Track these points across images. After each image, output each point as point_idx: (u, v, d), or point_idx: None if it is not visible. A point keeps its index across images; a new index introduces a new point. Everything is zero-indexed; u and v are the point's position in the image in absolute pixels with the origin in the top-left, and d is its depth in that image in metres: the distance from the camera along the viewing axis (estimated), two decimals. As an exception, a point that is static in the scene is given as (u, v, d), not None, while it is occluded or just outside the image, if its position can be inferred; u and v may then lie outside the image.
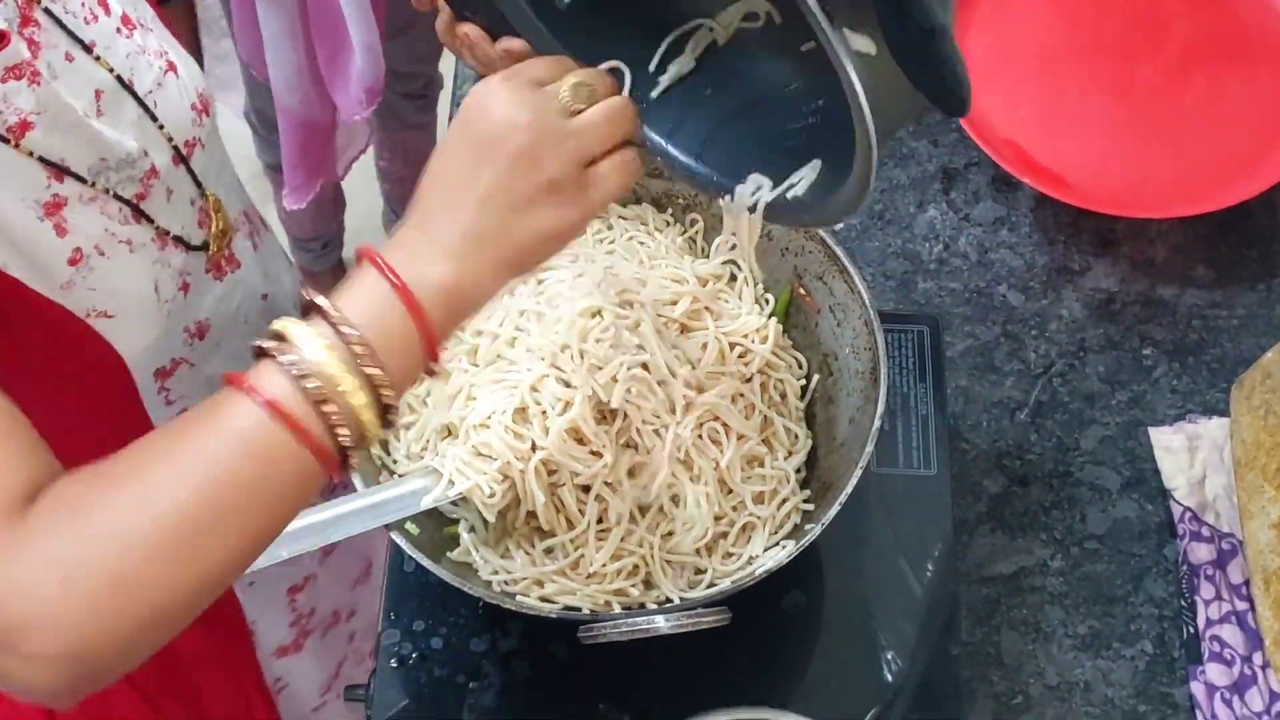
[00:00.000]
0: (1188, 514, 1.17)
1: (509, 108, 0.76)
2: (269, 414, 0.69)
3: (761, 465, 1.01)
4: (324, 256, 2.27)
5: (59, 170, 0.89)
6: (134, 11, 1.00)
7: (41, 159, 0.88)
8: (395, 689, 1.04)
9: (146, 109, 0.98)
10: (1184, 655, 1.13)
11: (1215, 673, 1.10)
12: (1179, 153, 1.32)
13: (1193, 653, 1.12)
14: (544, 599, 0.97)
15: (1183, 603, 1.15)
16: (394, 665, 1.05)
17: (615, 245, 1.08)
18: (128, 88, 0.97)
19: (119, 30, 0.98)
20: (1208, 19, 1.37)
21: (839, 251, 1.03)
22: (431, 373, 0.76)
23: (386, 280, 0.72)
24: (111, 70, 0.95)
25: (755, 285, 1.09)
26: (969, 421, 1.24)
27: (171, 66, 1.02)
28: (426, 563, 0.92)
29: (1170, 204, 1.29)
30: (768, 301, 1.09)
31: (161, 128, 0.99)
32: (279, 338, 0.71)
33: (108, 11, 0.97)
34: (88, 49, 0.95)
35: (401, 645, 1.06)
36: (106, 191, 0.93)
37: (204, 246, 1.04)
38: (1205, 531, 1.16)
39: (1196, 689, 1.11)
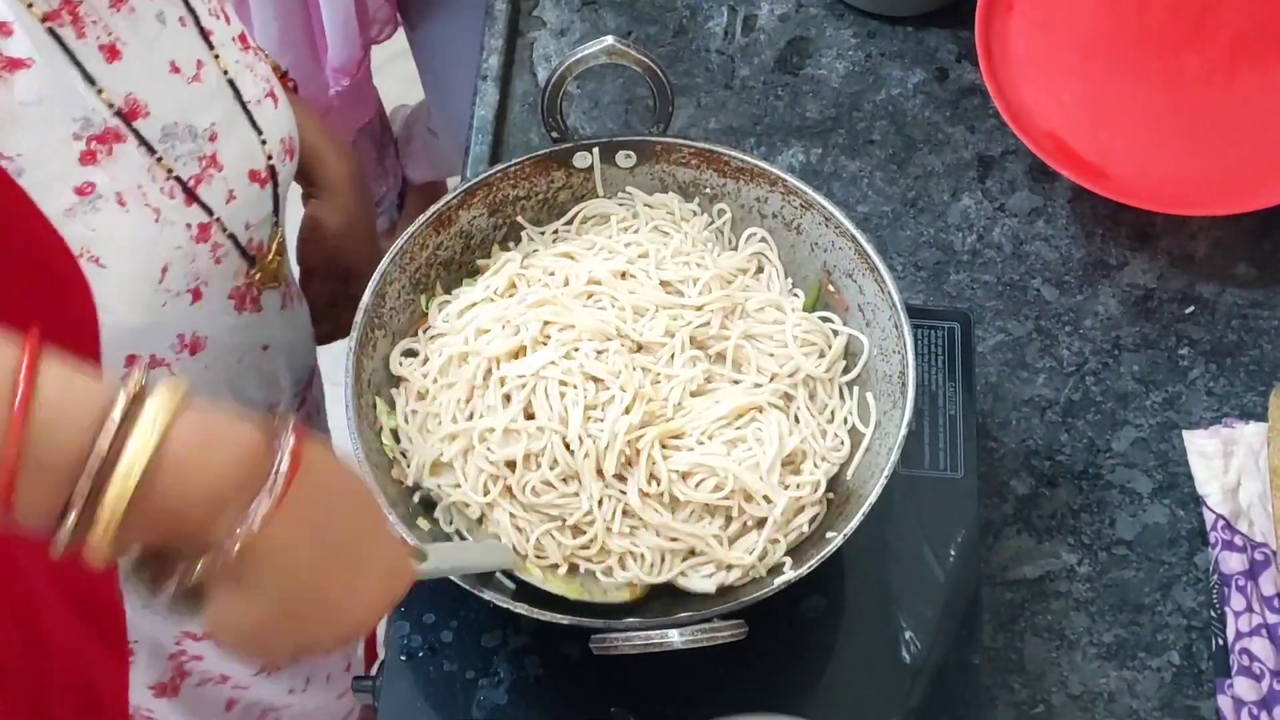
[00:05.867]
0: (1220, 522, 1.14)
1: None
2: None
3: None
4: None
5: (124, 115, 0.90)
6: (249, 41, 1.04)
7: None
8: (403, 682, 1.02)
9: (249, 116, 1.00)
10: (1212, 668, 1.10)
11: (1243, 687, 1.08)
12: (1224, 147, 1.28)
13: (1221, 666, 1.10)
14: None
15: (1212, 613, 1.12)
16: (403, 658, 1.03)
17: (640, 234, 1.05)
18: (233, 86, 0.99)
19: (234, 40, 1.01)
20: (1257, 10, 1.32)
21: (869, 249, 1.00)
22: None
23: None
24: (219, 64, 0.98)
25: (784, 278, 1.06)
26: (997, 419, 1.21)
27: (272, 95, 1.03)
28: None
29: (1213, 200, 1.25)
30: (796, 295, 1.06)
31: (264, 142, 1.01)
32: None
33: (228, 21, 1.00)
34: (204, 33, 0.96)
35: (411, 638, 1.04)
36: (160, 161, 0.92)
37: (250, 262, 1.04)
38: (1238, 541, 1.13)
39: (1224, 703, 1.08)
